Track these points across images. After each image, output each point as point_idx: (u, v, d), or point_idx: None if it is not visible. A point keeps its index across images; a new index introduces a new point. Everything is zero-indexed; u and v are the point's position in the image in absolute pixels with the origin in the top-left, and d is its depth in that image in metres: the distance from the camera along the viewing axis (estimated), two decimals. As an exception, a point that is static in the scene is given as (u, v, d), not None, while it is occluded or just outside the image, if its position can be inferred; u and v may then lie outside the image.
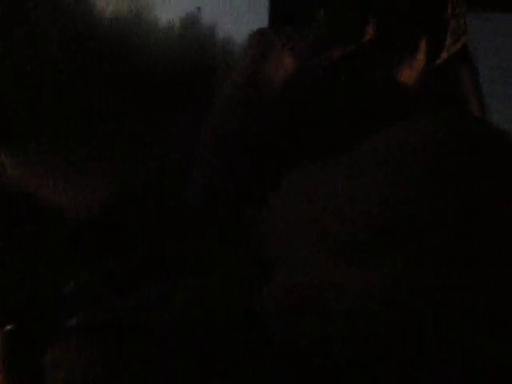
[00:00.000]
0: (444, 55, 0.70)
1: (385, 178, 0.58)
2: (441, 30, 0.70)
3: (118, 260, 0.74)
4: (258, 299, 0.64)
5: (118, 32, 0.84)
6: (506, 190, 0.59)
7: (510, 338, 0.56)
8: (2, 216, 0.79)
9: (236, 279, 0.68)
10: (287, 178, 0.68)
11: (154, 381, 0.64)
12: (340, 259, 0.59)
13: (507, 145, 0.62)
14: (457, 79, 0.75)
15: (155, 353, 0.63)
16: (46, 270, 0.77)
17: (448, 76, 0.72)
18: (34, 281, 0.76)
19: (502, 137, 0.63)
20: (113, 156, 0.82)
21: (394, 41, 0.70)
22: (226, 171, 0.73)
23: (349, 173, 0.62)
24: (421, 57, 0.69)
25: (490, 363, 0.55)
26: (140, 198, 0.80)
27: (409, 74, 0.69)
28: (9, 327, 0.73)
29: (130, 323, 0.66)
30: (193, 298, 0.68)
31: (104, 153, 0.82)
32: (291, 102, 0.73)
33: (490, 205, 0.57)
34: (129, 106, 0.82)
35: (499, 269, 0.56)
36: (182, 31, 0.88)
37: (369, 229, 0.57)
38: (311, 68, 0.72)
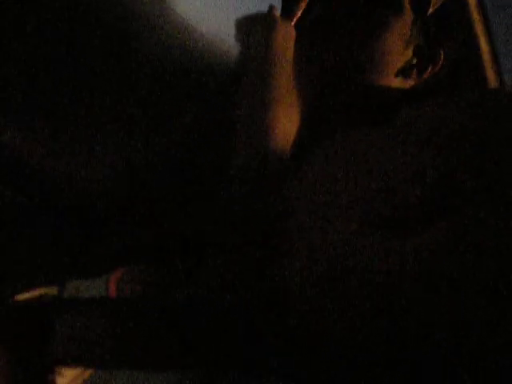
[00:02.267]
0: (431, 10, 0.70)
1: (434, 150, 0.56)
2: None
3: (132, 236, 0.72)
4: (278, 274, 0.62)
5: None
6: None
7: None
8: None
9: (256, 253, 0.66)
10: (324, 143, 0.65)
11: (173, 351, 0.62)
12: (375, 233, 0.57)
13: None
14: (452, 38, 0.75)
15: (179, 328, 0.62)
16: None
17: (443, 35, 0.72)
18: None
19: None
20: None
21: None
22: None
23: (392, 143, 0.60)
24: (407, 12, 0.68)
25: None
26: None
27: (399, 32, 0.68)
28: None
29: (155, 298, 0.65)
30: (215, 275, 0.65)
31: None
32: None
33: None
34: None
35: None
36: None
37: (421, 199, 0.55)
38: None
